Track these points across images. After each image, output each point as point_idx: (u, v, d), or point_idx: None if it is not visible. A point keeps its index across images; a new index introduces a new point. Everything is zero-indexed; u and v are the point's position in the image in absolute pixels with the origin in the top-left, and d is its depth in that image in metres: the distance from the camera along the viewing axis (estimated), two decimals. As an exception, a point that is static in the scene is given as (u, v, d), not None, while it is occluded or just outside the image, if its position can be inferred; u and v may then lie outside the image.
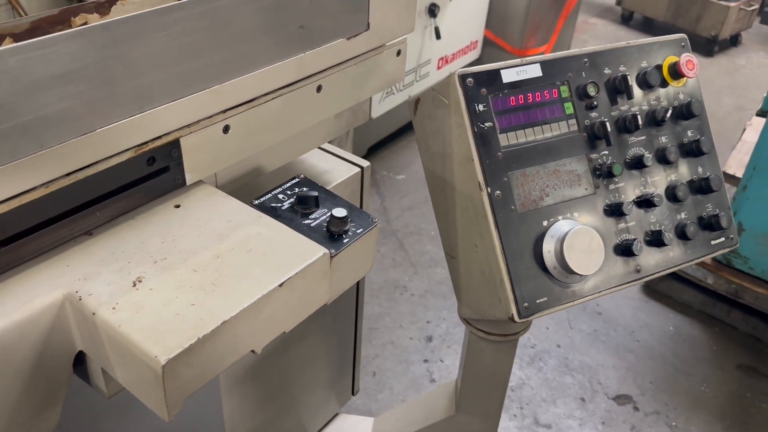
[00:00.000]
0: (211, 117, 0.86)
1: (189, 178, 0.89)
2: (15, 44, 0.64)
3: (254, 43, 0.86)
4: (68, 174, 0.72)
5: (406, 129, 3.55)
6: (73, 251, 0.77)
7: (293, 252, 0.81)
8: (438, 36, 2.97)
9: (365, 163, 1.24)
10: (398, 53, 1.12)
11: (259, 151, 0.97)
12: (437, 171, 1.11)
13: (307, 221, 0.89)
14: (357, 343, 1.51)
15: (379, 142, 3.46)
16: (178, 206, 0.87)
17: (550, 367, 2.40)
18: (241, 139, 0.92)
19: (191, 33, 0.78)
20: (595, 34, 5.38)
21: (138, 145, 0.78)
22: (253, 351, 0.78)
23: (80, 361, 0.78)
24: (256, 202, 0.90)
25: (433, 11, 2.92)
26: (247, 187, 1.06)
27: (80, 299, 0.71)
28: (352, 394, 1.63)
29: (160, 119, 0.79)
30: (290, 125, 1.00)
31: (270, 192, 0.93)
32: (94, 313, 0.69)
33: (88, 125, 0.71)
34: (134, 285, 0.73)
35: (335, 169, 1.24)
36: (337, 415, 1.62)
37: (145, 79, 0.75)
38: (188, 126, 0.83)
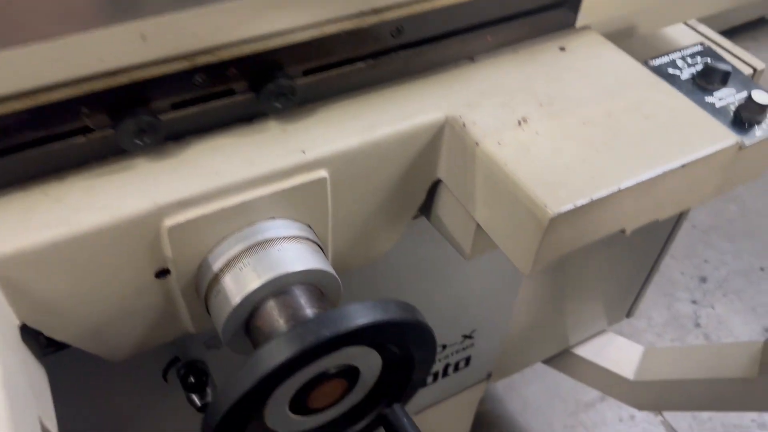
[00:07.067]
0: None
1: (580, 20, 0.77)
2: None
3: None
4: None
5: None
6: (455, 74, 0.71)
7: (698, 131, 0.67)
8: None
9: (761, 65, 1.00)
10: None
11: None
12: None
13: (710, 99, 0.73)
14: (656, 264, 1.34)
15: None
16: (563, 49, 0.75)
17: None
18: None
19: None
20: None
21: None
22: (623, 231, 0.67)
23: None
24: (652, 63, 0.76)
25: None
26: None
27: (464, 125, 0.65)
28: (626, 316, 1.49)
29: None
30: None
31: (667, 55, 0.77)
32: (477, 144, 0.63)
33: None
34: (519, 124, 0.65)
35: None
36: (603, 332, 1.50)
37: None
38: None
